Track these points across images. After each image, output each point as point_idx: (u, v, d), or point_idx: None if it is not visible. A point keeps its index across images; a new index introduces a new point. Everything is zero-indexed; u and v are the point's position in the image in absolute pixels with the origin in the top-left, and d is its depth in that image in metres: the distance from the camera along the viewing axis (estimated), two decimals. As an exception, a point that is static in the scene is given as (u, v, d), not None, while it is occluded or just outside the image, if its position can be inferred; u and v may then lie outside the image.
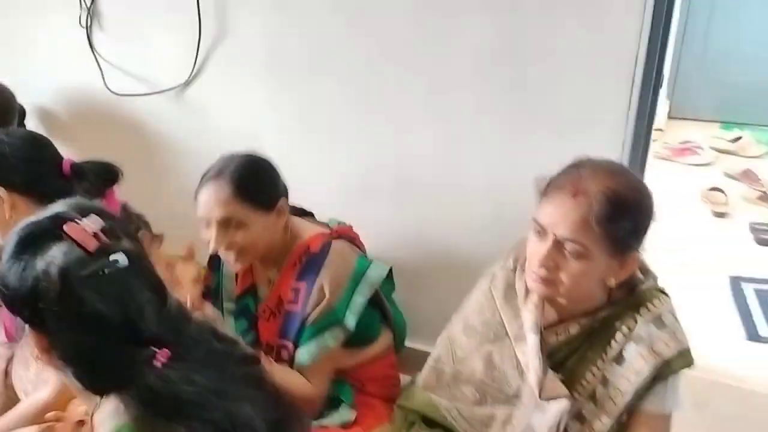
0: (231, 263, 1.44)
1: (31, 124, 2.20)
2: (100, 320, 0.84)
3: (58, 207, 0.93)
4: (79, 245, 0.86)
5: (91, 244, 0.86)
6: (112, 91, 2.02)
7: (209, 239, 1.39)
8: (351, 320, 1.44)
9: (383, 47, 1.69)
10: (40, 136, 1.63)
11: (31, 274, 0.84)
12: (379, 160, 1.83)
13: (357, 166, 1.85)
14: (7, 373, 1.76)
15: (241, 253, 1.40)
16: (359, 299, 1.46)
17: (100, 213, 0.92)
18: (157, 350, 0.85)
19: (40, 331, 0.87)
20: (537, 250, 1.14)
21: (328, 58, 1.76)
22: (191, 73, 1.91)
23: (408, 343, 1.75)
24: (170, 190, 2.08)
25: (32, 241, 0.87)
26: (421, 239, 1.87)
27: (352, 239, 1.56)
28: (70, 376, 0.89)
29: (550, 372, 1.21)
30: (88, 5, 1.97)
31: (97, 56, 2.02)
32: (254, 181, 1.41)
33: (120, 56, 2.01)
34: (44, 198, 1.58)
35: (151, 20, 1.91)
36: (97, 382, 0.86)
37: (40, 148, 1.60)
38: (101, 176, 1.62)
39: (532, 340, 1.21)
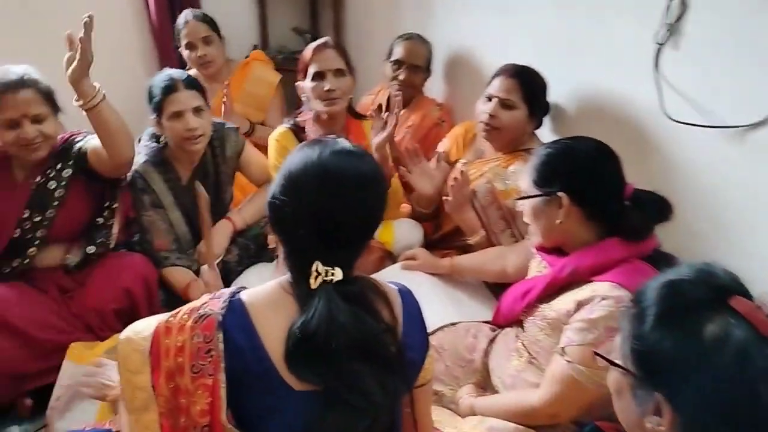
0: None
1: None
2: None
3: (714, 273, 0.83)
4: (752, 325, 0.75)
5: (765, 327, 0.75)
6: (667, 116, 1.88)
7: None
8: None
9: None
10: (611, 149, 1.57)
11: (695, 342, 0.77)
12: None
13: None
14: (486, 352, 1.85)
15: None
16: None
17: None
18: None
19: (661, 392, 0.81)
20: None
21: None
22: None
23: None
24: (733, 246, 1.77)
25: (690, 308, 0.79)
26: None
27: None
28: None
29: None
30: (671, 22, 1.86)
31: (660, 75, 1.91)
32: None
33: (686, 80, 1.85)
34: (596, 215, 1.56)
35: (745, 50, 1.69)
36: None
37: (612, 163, 1.55)
38: (656, 211, 1.52)
39: None
